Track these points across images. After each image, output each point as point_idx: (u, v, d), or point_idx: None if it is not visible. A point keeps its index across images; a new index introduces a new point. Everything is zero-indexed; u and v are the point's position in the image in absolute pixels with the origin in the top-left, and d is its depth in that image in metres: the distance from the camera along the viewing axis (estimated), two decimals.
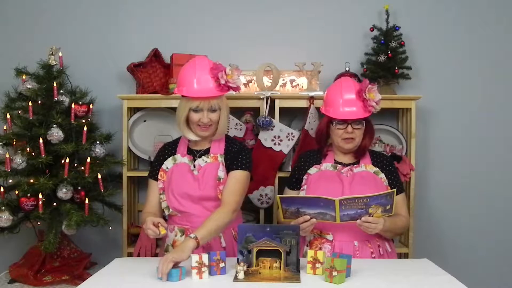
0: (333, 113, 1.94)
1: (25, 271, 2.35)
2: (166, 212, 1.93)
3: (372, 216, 1.74)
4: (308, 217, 1.76)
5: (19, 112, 2.43)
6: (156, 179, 1.95)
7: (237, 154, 1.92)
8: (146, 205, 1.97)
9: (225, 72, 1.80)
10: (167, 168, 1.93)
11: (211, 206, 1.87)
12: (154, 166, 1.99)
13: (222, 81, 1.79)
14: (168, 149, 2.00)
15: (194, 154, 1.94)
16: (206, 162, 1.90)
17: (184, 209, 1.89)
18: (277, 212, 1.99)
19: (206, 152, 1.94)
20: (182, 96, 1.86)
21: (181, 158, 1.93)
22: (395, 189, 1.77)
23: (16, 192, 2.32)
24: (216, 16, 2.80)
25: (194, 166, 1.90)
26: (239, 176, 1.88)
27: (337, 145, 2.00)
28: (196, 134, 1.89)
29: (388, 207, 1.75)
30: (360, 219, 1.74)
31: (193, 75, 1.81)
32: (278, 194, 1.95)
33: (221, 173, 1.87)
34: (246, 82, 2.60)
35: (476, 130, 2.81)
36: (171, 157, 1.94)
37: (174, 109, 2.71)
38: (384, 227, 1.78)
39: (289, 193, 2.05)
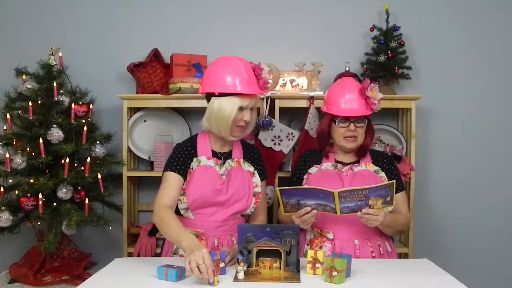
0: (335, 110, 1.95)
1: (25, 271, 2.35)
2: (183, 214, 1.87)
3: (373, 208, 1.73)
4: (309, 208, 1.76)
5: (19, 112, 2.43)
6: (181, 174, 1.84)
7: (257, 161, 1.99)
8: (162, 198, 1.80)
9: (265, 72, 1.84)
10: (192, 169, 1.86)
11: (234, 210, 1.87)
12: (176, 162, 1.86)
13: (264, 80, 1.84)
14: (188, 150, 1.89)
15: (218, 157, 1.91)
16: (231, 166, 1.90)
17: (205, 212, 1.86)
18: (278, 210, 2.00)
19: (229, 155, 1.93)
20: (225, 95, 1.78)
21: (207, 160, 1.86)
22: (394, 181, 1.76)
23: (16, 192, 2.32)
24: (216, 16, 2.80)
25: (222, 170, 1.87)
26: (264, 189, 2.00)
27: (338, 145, 2.00)
28: (232, 135, 1.84)
29: (388, 198, 1.74)
30: (361, 211, 1.73)
31: (242, 73, 1.79)
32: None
33: (256, 183, 1.93)
34: None
35: (476, 130, 2.81)
36: (195, 159, 1.87)
37: (174, 109, 2.73)
38: (385, 221, 1.77)
39: None
